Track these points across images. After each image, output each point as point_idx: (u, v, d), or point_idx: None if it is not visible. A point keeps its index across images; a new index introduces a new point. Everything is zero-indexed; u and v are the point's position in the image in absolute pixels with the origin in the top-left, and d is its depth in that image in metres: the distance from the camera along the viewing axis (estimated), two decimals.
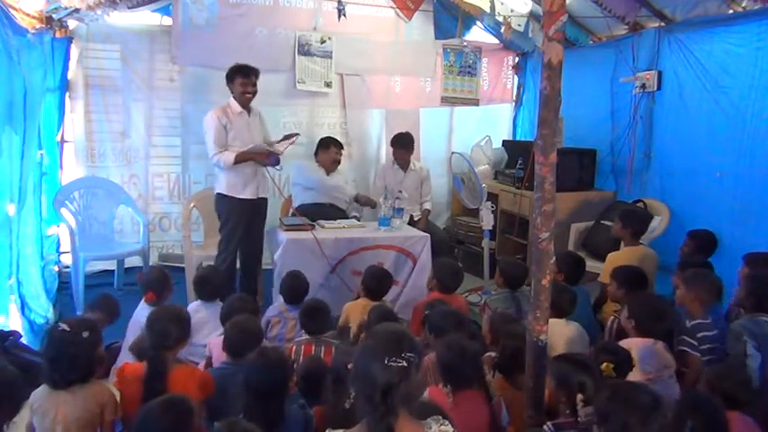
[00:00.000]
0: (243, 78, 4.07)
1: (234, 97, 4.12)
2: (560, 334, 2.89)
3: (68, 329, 2.30)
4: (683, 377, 2.74)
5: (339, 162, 4.96)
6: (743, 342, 2.71)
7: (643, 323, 2.67)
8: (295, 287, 3.43)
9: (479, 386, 2.29)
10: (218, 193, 4.17)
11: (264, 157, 4.10)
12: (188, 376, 2.45)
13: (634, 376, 2.39)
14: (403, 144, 5.22)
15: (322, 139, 4.98)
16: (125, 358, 3.26)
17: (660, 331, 2.69)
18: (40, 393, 2.26)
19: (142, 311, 3.27)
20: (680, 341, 2.87)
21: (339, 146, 4.96)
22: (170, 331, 2.52)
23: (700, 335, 2.88)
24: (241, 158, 4.04)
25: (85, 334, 2.30)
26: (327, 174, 4.89)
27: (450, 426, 1.61)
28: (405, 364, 1.49)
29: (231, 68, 4.13)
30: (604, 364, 2.25)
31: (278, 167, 4.24)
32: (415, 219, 5.13)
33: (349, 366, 1.60)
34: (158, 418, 1.91)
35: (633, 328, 2.70)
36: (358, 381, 1.54)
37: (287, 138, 4.28)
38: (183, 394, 2.11)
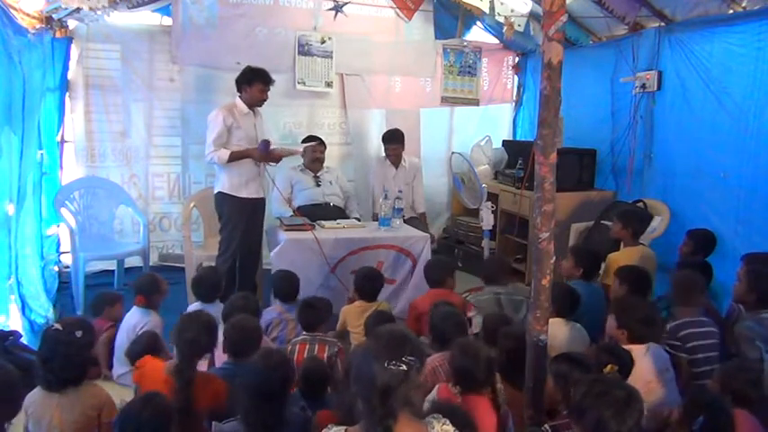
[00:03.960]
0: (264, 86, 4.08)
1: (243, 99, 4.10)
2: (559, 334, 2.89)
3: (62, 329, 2.30)
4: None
5: (321, 160, 4.92)
6: (757, 347, 2.68)
7: (636, 331, 2.65)
8: (287, 284, 3.47)
9: (490, 392, 2.27)
10: (220, 193, 4.15)
11: (254, 151, 4.09)
12: (205, 384, 2.41)
13: (636, 381, 2.38)
14: (392, 138, 5.27)
15: (302, 141, 4.94)
16: (117, 361, 3.28)
17: (653, 335, 2.69)
18: (34, 397, 2.25)
19: (133, 316, 3.29)
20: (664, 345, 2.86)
21: (315, 141, 4.91)
22: (200, 340, 2.48)
23: (682, 333, 2.88)
24: (236, 156, 4.03)
25: (79, 334, 2.30)
26: (316, 175, 4.88)
27: (450, 425, 1.61)
28: (404, 367, 1.48)
29: (250, 72, 4.08)
30: (608, 366, 2.24)
31: (272, 164, 4.24)
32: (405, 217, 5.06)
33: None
34: (137, 416, 1.92)
35: (626, 337, 2.66)
36: (358, 382, 1.54)
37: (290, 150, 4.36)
38: (164, 394, 2.11)
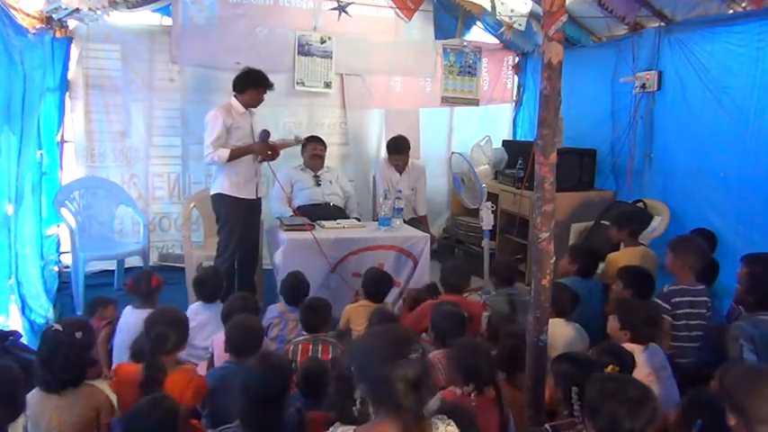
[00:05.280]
0: (265, 90, 4.10)
1: (241, 100, 4.10)
2: (560, 334, 2.89)
3: (61, 330, 2.29)
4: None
5: (321, 157, 4.93)
6: (739, 345, 2.71)
7: (640, 331, 2.67)
8: (295, 288, 3.44)
9: (493, 390, 2.29)
10: (218, 194, 4.15)
11: (254, 145, 4.10)
12: (184, 380, 2.40)
13: (636, 376, 2.39)
14: (398, 149, 5.22)
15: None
16: (117, 360, 3.27)
17: (654, 334, 2.70)
18: (33, 398, 2.23)
19: (130, 315, 3.28)
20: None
21: (315, 141, 4.94)
22: (168, 335, 2.51)
23: (674, 300, 3.02)
24: (237, 154, 4.03)
25: (78, 334, 2.29)
26: (316, 174, 4.88)
27: (454, 426, 1.60)
28: (422, 355, 1.52)
29: (255, 75, 4.07)
30: (610, 366, 2.23)
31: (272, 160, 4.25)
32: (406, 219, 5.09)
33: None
34: (144, 418, 1.92)
35: (629, 338, 2.68)
36: (374, 384, 1.51)
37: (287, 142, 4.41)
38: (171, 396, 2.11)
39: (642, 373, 2.48)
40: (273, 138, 4.29)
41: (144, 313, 3.25)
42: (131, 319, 3.27)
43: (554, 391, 2.23)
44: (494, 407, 2.25)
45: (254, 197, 4.23)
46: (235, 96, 4.12)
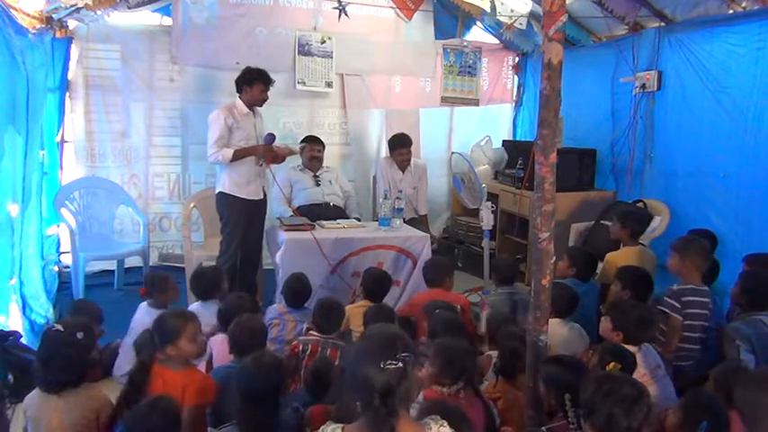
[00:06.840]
0: (264, 86, 4.10)
1: (243, 99, 4.11)
2: (556, 334, 2.89)
3: (62, 330, 2.29)
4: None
5: (319, 159, 4.94)
6: (736, 346, 2.71)
7: (632, 333, 2.66)
8: (298, 290, 3.43)
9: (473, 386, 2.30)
10: (221, 192, 4.16)
11: (258, 147, 4.11)
12: (185, 380, 2.38)
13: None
14: (402, 143, 5.22)
15: (300, 142, 5.01)
16: (125, 359, 3.27)
17: (647, 337, 2.70)
18: (32, 399, 2.23)
19: (144, 314, 3.27)
20: (661, 302, 2.99)
21: (314, 141, 4.95)
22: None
23: (685, 299, 2.99)
24: (240, 154, 4.04)
25: (80, 335, 2.29)
26: (315, 174, 4.88)
27: (447, 426, 1.60)
28: (401, 364, 1.48)
29: (250, 73, 4.09)
30: (611, 364, 2.23)
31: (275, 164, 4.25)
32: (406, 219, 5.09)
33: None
34: (144, 419, 1.92)
35: (621, 339, 2.67)
36: (355, 384, 1.52)
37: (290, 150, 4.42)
38: (169, 396, 2.10)
39: (638, 373, 2.47)
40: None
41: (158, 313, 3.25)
42: (145, 318, 3.24)
43: (545, 395, 2.22)
44: (477, 400, 2.25)
45: (257, 197, 4.23)
46: (239, 96, 4.13)
